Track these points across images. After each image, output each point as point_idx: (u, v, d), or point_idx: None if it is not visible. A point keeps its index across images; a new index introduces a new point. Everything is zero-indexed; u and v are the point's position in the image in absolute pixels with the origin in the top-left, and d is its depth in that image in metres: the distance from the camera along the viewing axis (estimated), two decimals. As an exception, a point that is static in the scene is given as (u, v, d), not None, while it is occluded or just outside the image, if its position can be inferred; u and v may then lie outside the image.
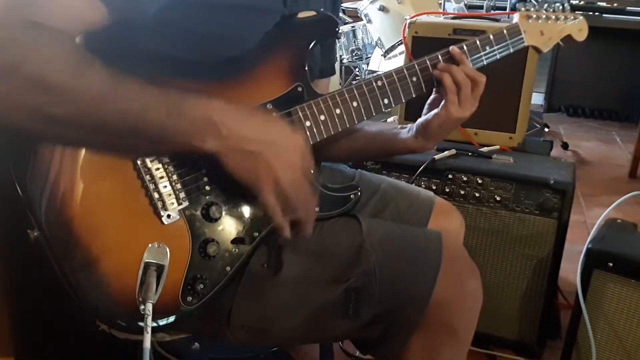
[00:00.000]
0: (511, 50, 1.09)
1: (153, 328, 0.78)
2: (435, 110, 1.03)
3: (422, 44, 1.70)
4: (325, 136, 0.95)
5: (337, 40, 1.01)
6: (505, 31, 1.08)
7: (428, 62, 1.02)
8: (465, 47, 1.04)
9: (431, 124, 1.04)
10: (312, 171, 0.85)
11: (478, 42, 1.05)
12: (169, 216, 0.83)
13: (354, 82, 0.99)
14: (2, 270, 1.24)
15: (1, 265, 1.20)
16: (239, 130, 0.78)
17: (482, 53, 1.06)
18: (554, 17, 1.16)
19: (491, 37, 1.07)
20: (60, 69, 0.70)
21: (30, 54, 0.69)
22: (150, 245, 0.81)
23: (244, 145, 0.79)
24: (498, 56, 1.08)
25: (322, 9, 0.98)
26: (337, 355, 1.60)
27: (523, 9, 1.13)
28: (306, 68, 0.95)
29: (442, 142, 1.67)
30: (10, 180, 0.77)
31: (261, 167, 0.80)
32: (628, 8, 3.95)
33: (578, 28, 1.19)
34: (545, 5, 1.16)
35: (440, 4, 3.31)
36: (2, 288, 1.26)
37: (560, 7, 1.19)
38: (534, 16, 1.13)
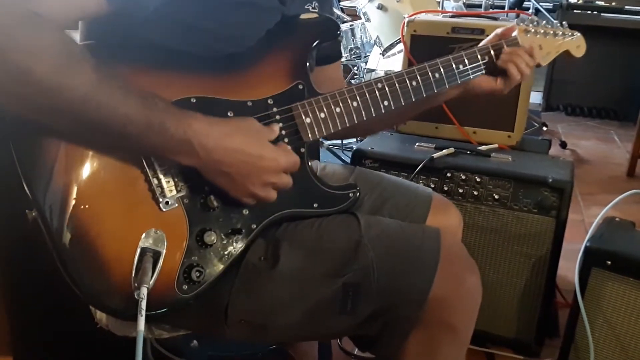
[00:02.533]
0: None
1: (150, 318, 0.79)
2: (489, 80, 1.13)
3: (420, 42, 1.70)
4: (325, 133, 0.96)
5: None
6: (504, 44, 1.12)
7: (427, 67, 1.05)
8: (464, 54, 1.08)
9: (478, 89, 1.14)
10: (290, 182, 0.90)
11: (477, 53, 1.10)
12: (167, 203, 0.84)
13: (352, 81, 1.00)
14: (1, 270, 1.24)
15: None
16: (216, 154, 0.81)
17: (480, 62, 1.10)
18: (552, 32, 1.18)
19: (491, 48, 1.11)
20: (48, 64, 0.71)
21: (22, 44, 0.70)
22: (147, 231, 0.82)
23: (220, 167, 0.83)
24: None
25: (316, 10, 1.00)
26: (336, 354, 1.60)
27: (522, 24, 1.16)
28: (308, 67, 0.97)
29: (441, 140, 1.69)
30: (11, 165, 0.78)
31: (236, 186, 0.85)
32: (627, 7, 3.95)
33: (576, 44, 1.22)
34: (544, 22, 1.19)
35: (439, 2, 3.31)
36: (1, 287, 1.26)
37: (559, 24, 1.21)
38: (532, 30, 1.16)
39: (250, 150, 0.84)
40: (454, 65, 1.07)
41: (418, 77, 1.04)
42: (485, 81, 1.13)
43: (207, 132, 0.80)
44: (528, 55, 1.12)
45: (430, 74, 1.05)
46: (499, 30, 1.15)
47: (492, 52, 1.12)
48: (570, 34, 1.21)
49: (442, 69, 1.06)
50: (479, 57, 1.11)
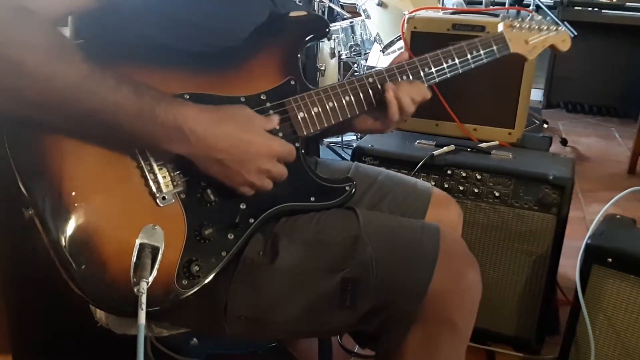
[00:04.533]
0: (497, 56, 1.16)
1: (150, 314, 0.79)
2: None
3: (421, 39, 1.70)
4: (319, 128, 0.97)
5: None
6: (491, 38, 1.15)
7: (417, 62, 1.07)
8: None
9: (363, 126, 1.09)
10: (284, 172, 0.89)
11: (465, 46, 1.11)
12: (164, 198, 0.84)
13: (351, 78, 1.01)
14: (0, 268, 1.24)
15: (-2, 262, 1.20)
16: (207, 139, 0.81)
17: (469, 56, 1.11)
18: (537, 27, 1.22)
19: (478, 43, 1.13)
20: (39, 55, 0.72)
21: (13, 37, 0.70)
22: (145, 226, 0.82)
23: (212, 154, 0.82)
24: (485, 60, 1.14)
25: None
26: (336, 351, 1.60)
27: (507, 20, 1.20)
28: (299, 63, 0.99)
29: (441, 137, 1.69)
30: (7, 163, 0.77)
31: (230, 173, 0.84)
32: (627, 4, 3.95)
33: (561, 39, 1.25)
34: (529, 17, 1.23)
35: (439, -1, 3.30)
36: (0, 285, 1.26)
37: (544, 19, 1.25)
38: (518, 26, 1.20)
39: (241, 135, 0.84)
40: (442, 61, 1.08)
41: (408, 71, 1.05)
42: (366, 119, 1.07)
43: (198, 118, 0.80)
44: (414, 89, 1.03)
45: (420, 68, 1.06)
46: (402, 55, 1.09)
47: (477, 43, 1.11)
48: (554, 28, 1.24)
49: (431, 64, 1.07)
50: (467, 51, 1.11)
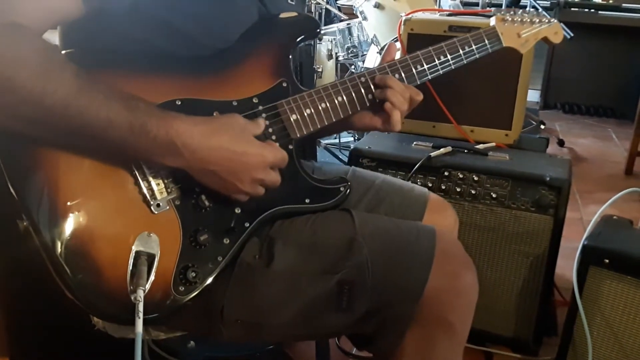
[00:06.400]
0: (489, 51, 1.15)
1: (148, 320, 0.79)
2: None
3: (417, 41, 1.70)
4: (312, 129, 0.97)
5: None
6: (483, 33, 1.15)
7: (409, 60, 1.06)
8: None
9: (361, 124, 1.07)
10: (278, 180, 0.89)
11: (457, 42, 1.11)
12: (158, 205, 0.84)
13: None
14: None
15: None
16: (200, 152, 0.81)
17: (461, 52, 1.11)
18: (529, 20, 1.22)
19: (470, 38, 1.13)
20: (29, 71, 0.71)
21: (2, 52, 0.70)
22: (140, 234, 0.82)
23: (205, 166, 0.82)
24: (477, 55, 1.14)
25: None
26: (334, 353, 1.60)
27: (499, 13, 1.20)
28: (291, 65, 0.98)
29: (438, 139, 1.69)
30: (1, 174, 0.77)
31: (224, 184, 0.85)
32: (624, 5, 3.96)
33: (553, 31, 1.25)
34: (520, 10, 1.23)
35: (436, 0, 3.30)
36: (-3, 287, 1.26)
37: (535, 12, 1.26)
38: (510, 19, 1.20)
39: (234, 147, 0.83)
40: (435, 57, 1.08)
41: (400, 69, 1.04)
42: (365, 116, 1.06)
43: (190, 131, 0.80)
44: (401, 87, 1.02)
45: (412, 66, 1.05)
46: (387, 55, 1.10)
47: (469, 38, 1.10)
48: (547, 20, 1.24)
49: (423, 61, 1.06)
50: (459, 47, 1.11)
